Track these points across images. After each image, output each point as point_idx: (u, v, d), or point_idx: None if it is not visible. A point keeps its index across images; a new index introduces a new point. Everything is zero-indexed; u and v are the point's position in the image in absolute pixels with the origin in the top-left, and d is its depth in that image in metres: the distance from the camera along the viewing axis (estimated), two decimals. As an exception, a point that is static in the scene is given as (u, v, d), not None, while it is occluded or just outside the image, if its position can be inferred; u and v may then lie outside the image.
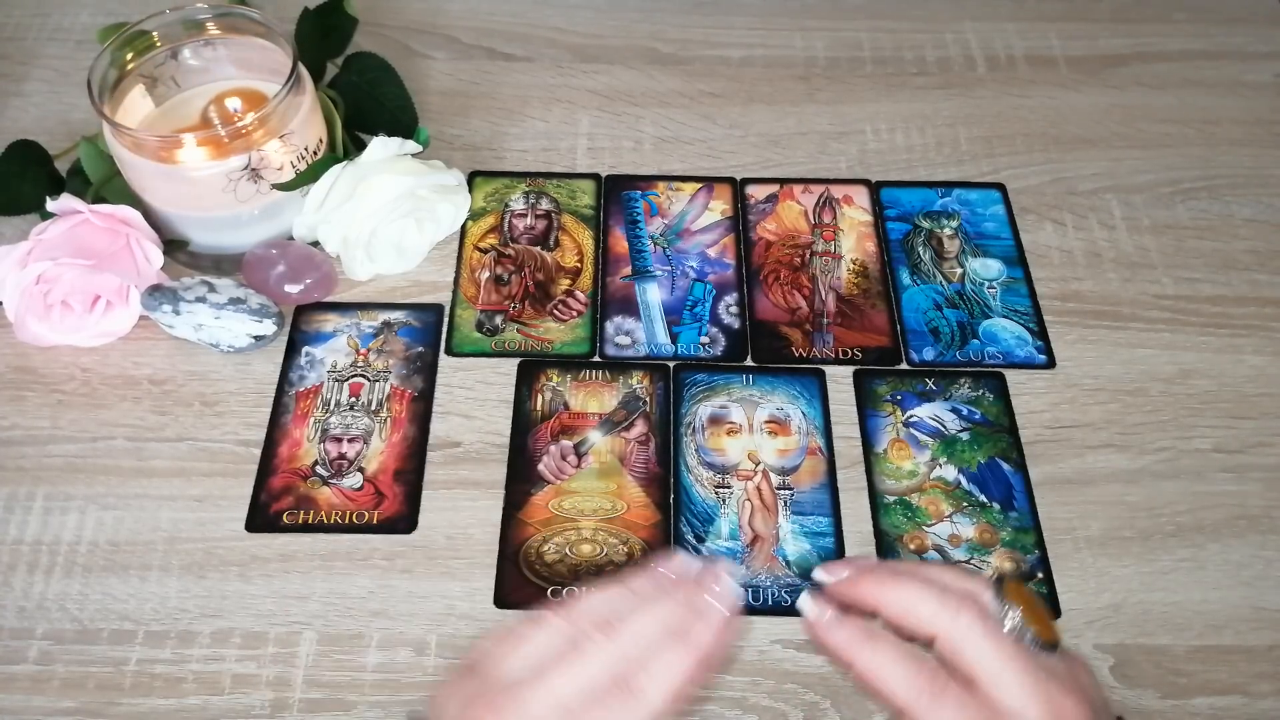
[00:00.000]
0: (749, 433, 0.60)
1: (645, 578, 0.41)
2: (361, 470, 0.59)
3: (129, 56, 0.65)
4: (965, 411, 0.61)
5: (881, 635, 0.38)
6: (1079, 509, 0.58)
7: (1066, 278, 0.68)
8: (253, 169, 0.62)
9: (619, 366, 0.63)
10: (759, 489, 0.58)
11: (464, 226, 0.70)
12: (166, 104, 0.67)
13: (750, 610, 0.54)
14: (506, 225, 0.70)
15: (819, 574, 0.41)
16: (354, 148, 0.69)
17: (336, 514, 0.57)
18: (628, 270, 0.68)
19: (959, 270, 0.68)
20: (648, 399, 0.62)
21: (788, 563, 0.56)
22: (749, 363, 0.64)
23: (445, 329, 0.65)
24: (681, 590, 0.40)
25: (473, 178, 0.72)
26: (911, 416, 0.61)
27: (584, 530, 0.57)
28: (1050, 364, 0.64)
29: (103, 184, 0.65)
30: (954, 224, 0.70)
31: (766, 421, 0.61)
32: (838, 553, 0.56)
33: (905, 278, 0.68)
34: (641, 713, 0.36)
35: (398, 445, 0.60)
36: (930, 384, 0.63)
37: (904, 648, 0.38)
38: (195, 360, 0.63)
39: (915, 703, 0.37)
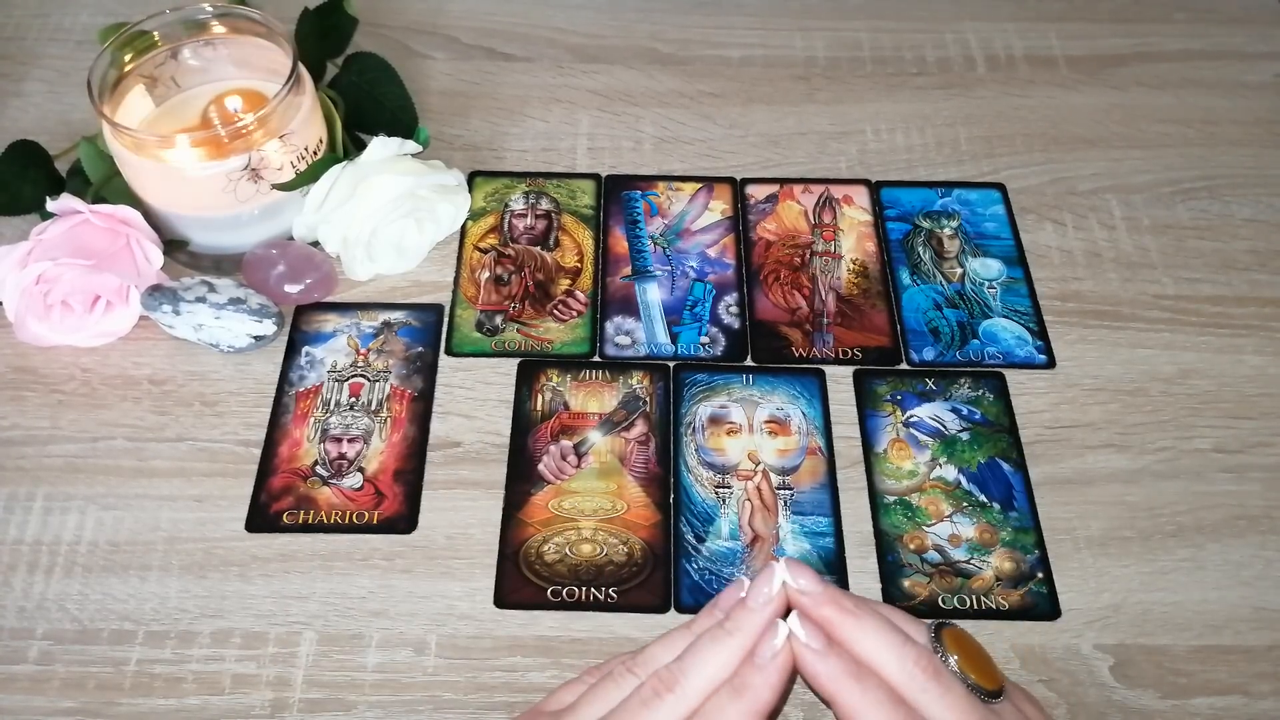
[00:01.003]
0: (749, 433, 0.60)
1: (707, 616, 0.42)
2: (361, 470, 0.59)
3: (129, 56, 0.65)
4: (965, 411, 0.61)
5: (869, 675, 0.38)
6: (1079, 509, 0.58)
7: (1066, 278, 0.68)
8: (252, 169, 0.62)
9: (619, 366, 0.63)
10: (759, 489, 0.58)
11: (464, 226, 0.70)
12: (166, 104, 0.67)
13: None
14: (506, 225, 0.70)
15: (781, 570, 0.40)
16: (354, 148, 0.69)
17: (336, 514, 0.57)
18: (628, 270, 0.68)
19: (959, 270, 0.68)
20: (648, 399, 0.62)
21: (788, 563, 0.56)
22: (749, 363, 0.64)
23: (445, 329, 0.65)
24: (745, 624, 0.40)
25: (473, 178, 0.72)
26: (911, 416, 0.61)
27: (584, 530, 0.57)
28: (1050, 364, 0.64)
29: (103, 184, 0.65)
30: (954, 224, 0.70)
31: (766, 421, 0.61)
32: (838, 553, 0.56)
33: (905, 278, 0.68)
34: None
35: (398, 445, 0.60)
36: (930, 384, 0.63)
37: (891, 693, 0.38)
38: (195, 360, 0.63)
39: None
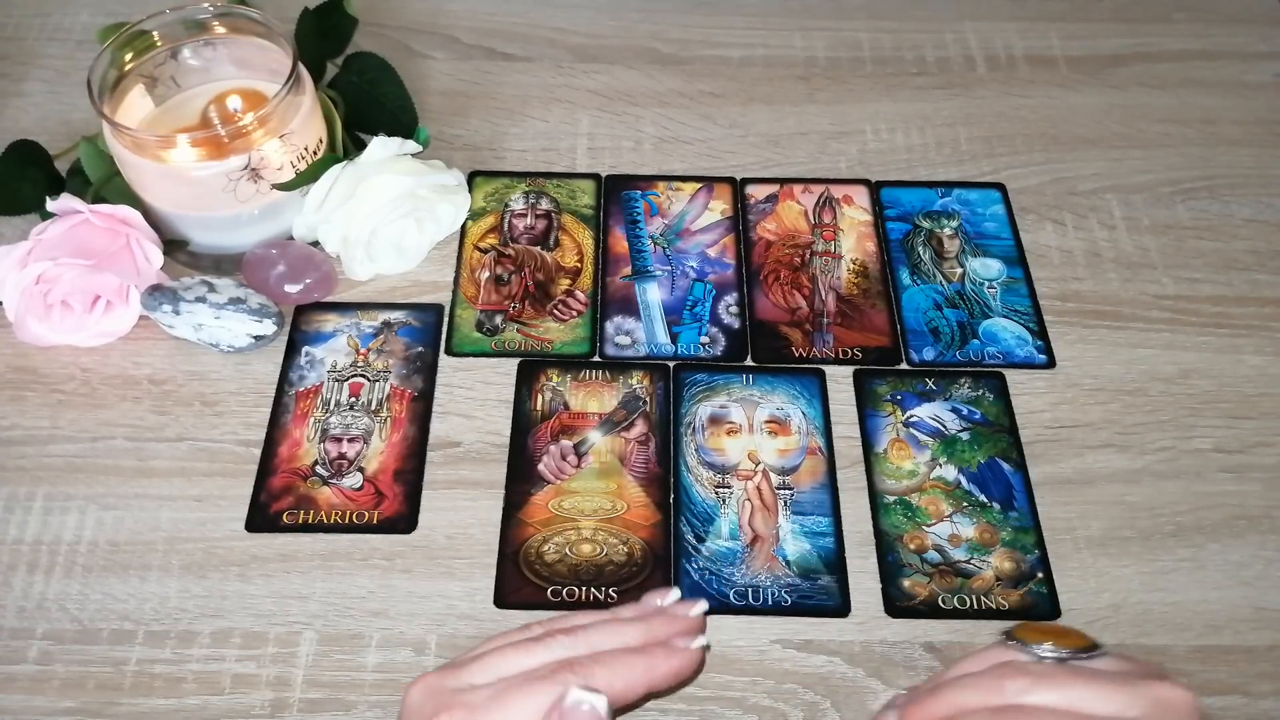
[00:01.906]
0: (749, 433, 0.60)
1: (630, 606, 0.45)
2: (361, 470, 0.59)
3: (129, 56, 0.65)
4: (965, 411, 0.61)
5: (945, 685, 0.39)
6: (1079, 509, 0.58)
7: (1066, 278, 0.68)
8: (253, 169, 0.62)
9: (619, 366, 0.63)
10: (759, 489, 0.58)
11: (464, 226, 0.70)
12: (166, 104, 0.67)
13: (750, 610, 0.54)
14: (506, 225, 0.70)
15: (702, 605, 0.46)
16: (354, 148, 0.69)
17: (336, 514, 0.57)
18: (628, 270, 0.68)
19: (959, 270, 0.68)
20: (648, 399, 0.62)
21: (788, 563, 0.56)
22: (749, 363, 0.64)
23: (445, 329, 0.65)
24: (655, 623, 0.43)
25: (473, 178, 0.72)
26: (911, 416, 0.61)
27: (584, 530, 0.57)
28: (1050, 364, 0.64)
29: (103, 184, 0.65)
30: (954, 224, 0.70)
31: (766, 421, 0.61)
32: (838, 552, 0.56)
33: (905, 278, 0.68)
34: (588, 709, 0.38)
35: (398, 445, 0.60)
36: (930, 384, 0.63)
37: (974, 681, 0.39)
38: (195, 360, 0.63)
39: None
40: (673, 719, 0.51)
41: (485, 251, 0.69)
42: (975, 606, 0.54)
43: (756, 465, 0.59)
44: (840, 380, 0.63)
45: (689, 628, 0.44)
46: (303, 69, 0.64)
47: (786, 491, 0.58)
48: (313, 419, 0.61)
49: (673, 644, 0.42)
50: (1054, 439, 0.61)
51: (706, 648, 0.44)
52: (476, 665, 0.41)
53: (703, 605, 0.46)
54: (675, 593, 0.46)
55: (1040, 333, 0.65)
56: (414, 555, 0.56)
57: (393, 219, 0.65)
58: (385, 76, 0.71)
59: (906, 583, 0.55)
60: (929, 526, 0.57)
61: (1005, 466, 0.59)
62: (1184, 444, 0.61)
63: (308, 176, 0.65)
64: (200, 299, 0.61)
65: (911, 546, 0.56)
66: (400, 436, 0.60)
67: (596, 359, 0.64)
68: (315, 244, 0.67)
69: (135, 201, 0.64)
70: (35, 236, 0.62)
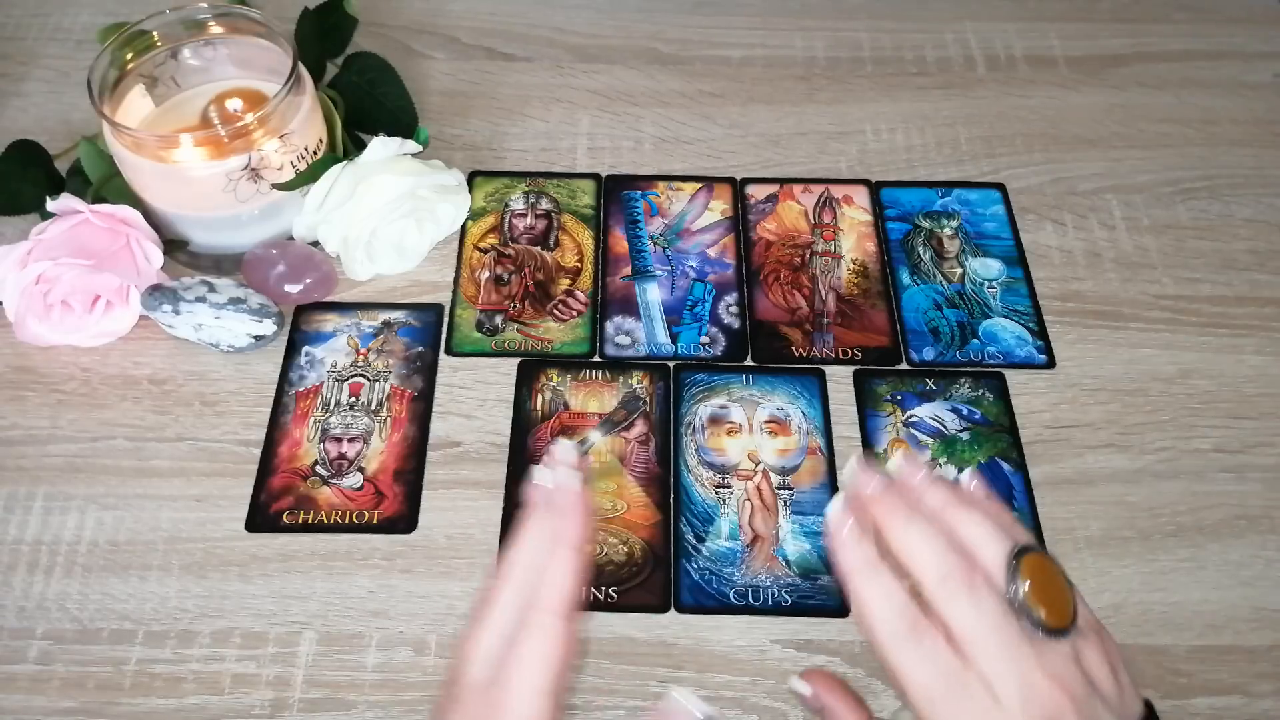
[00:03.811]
0: (749, 433, 0.60)
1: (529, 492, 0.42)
2: (361, 470, 0.59)
3: (129, 56, 0.65)
4: (965, 411, 0.61)
5: (882, 569, 0.38)
6: (1079, 509, 0.58)
7: (1066, 278, 0.68)
8: (252, 169, 0.62)
9: (619, 366, 0.63)
10: (759, 489, 0.58)
11: (464, 226, 0.70)
12: (166, 104, 0.67)
13: (750, 610, 0.54)
14: (506, 225, 0.70)
15: (849, 470, 0.40)
16: (354, 148, 0.69)
17: (336, 514, 0.57)
18: (628, 270, 0.68)
19: (959, 270, 0.68)
20: (648, 399, 0.62)
21: (788, 563, 0.56)
22: (749, 363, 0.64)
23: (445, 329, 0.65)
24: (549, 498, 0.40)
25: (473, 178, 0.72)
26: (911, 416, 0.61)
27: (584, 530, 0.57)
28: (1050, 364, 0.64)
29: (103, 184, 0.65)
30: (954, 224, 0.70)
31: (766, 421, 0.61)
32: (838, 553, 0.56)
33: (905, 278, 0.68)
34: (552, 627, 0.37)
35: (398, 445, 0.60)
36: (930, 384, 0.63)
37: (898, 586, 0.38)
38: (195, 360, 0.63)
39: (891, 639, 0.37)
40: (673, 719, 0.51)
41: (485, 251, 0.69)
42: (975, 606, 0.54)
43: (756, 465, 0.59)
44: (840, 380, 0.63)
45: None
46: (303, 69, 0.64)
47: (786, 491, 0.58)
48: (313, 419, 0.61)
49: (558, 505, 0.39)
50: (1054, 439, 0.61)
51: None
52: (467, 657, 0.38)
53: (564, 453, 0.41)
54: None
55: (1040, 333, 0.65)
56: (414, 555, 0.56)
57: (393, 219, 0.65)
58: (385, 76, 0.71)
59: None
60: (929, 526, 0.57)
61: (1005, 466, 0.59)
62: (1184, 444, 0.61)
63: (308, 176, 0.65)
64: (200, 299, 0.61)
65: (911, 546, 0.56)
66: (400, 436, 0.60)
67: (596, 359, 0.64)
68: (315, 244, 0.67)
69: (135, 201, 0.64)
70: (35, 236, 0.62)
